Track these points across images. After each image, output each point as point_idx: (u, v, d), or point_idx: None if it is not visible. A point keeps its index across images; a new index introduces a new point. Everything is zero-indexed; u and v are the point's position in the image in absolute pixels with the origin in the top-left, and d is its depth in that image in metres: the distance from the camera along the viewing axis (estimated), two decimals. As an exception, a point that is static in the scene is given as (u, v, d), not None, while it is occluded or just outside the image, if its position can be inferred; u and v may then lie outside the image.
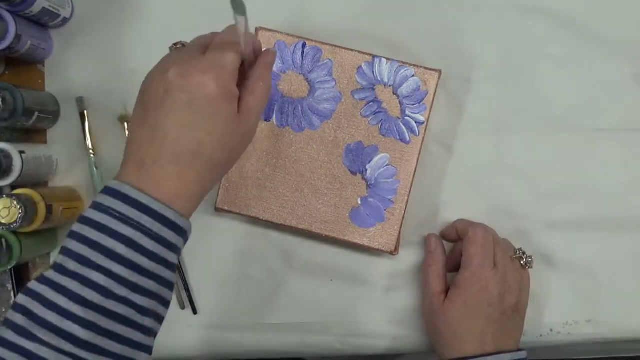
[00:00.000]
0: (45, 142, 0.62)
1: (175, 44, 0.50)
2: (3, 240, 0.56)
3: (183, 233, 0.44)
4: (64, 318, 0.39)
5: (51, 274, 0.41)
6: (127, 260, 0.41)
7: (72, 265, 0.40)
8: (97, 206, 0.42)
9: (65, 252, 0.41)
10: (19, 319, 0.40)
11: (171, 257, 0.43)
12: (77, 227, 0.42)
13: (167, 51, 0.61)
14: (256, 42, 0.49)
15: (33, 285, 0.41)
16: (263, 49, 0.50)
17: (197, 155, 0.43)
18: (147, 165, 0.43)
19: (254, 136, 0.48)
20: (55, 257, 0.42)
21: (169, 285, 0.44)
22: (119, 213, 0.41)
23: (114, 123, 0.62)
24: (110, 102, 0.62)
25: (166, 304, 0.44)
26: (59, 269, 0.41)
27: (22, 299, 0.41)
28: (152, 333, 0.44)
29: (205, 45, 0.46)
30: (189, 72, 0.43)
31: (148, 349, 0.44)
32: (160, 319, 0.45)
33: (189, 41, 0.50)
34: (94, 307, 0.40)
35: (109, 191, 0.42)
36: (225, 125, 0.44)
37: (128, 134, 0.45)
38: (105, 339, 0.40)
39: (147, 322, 0.43)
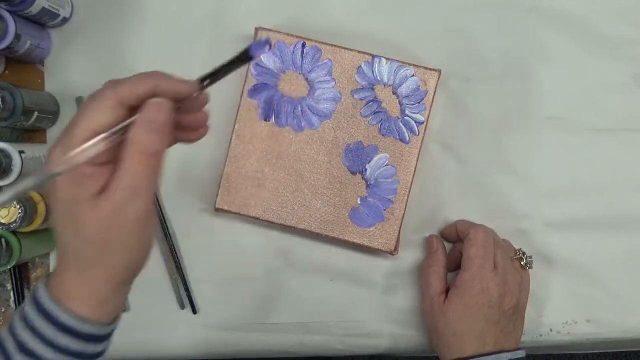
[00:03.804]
0: (45, 142, 0.62)
1: None
2: (3, 240, 0.56)
3: (94, 339, 0.39)
4: None
5: None
6: None
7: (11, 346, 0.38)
8: (23, 316, 0.38)
9: (10, 331, 0.39)
10: None
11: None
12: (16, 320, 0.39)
13: (166, 50, 0.62)
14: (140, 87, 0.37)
15: None
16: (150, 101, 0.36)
17: (76, 259, 0.38)
18: (57, 273, 0.39)
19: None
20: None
21: None
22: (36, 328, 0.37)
23: (113, 123, 0.62)
24: (110, 102, 0.62)
25: None
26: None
27: None
28: None
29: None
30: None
31: None
32: None
33: None
34: None
35: (33, 296, 0.39)
36: (88, 225, 0.36)
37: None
38: None
39: None
